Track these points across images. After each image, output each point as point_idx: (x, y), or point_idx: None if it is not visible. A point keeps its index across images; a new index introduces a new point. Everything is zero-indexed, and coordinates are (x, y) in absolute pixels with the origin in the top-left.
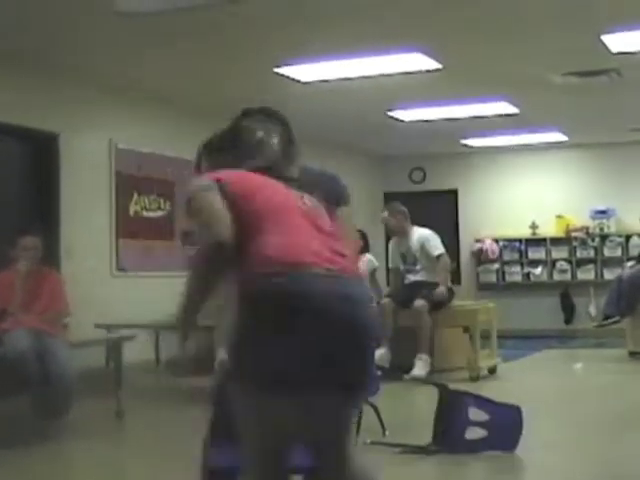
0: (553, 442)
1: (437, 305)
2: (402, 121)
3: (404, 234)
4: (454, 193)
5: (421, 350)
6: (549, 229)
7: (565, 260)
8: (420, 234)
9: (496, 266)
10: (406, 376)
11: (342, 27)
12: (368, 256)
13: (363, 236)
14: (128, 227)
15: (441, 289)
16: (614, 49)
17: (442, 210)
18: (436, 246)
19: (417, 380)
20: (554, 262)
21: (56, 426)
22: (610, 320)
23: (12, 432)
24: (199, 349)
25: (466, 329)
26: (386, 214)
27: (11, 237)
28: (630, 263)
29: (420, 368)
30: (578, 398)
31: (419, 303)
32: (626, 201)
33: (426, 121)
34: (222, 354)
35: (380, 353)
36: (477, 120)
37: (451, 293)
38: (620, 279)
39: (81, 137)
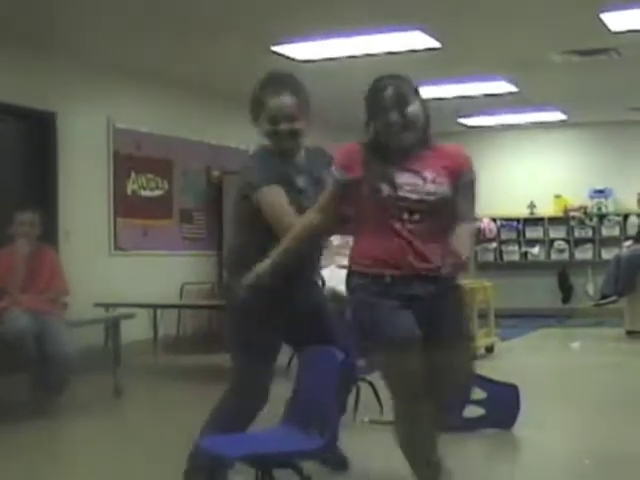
0: (550, 421)
1: None
2: None
3: None
4: None
5: None
6: (547, 209)
7: (563, 240)
8: None
9: (494, 245)
10: None
11: (340, 5)
12: None
13: None
14: (126, 206)
15: None
16: (613, 28)
17: None
18: None
19: None
20: (552, 241)
21: (54, 404)
22: (608, 300)
23: (10, 410)
24: None
25: None
26: None
27: (9, 217)
28: (628, 243)
29: None
30: (575, 377)
31: None
32: (624, 181)
33: (424, 100)
34: None
35: None
36: (476, 99)
37: None
38: (618, 259)
39: (79, 116)
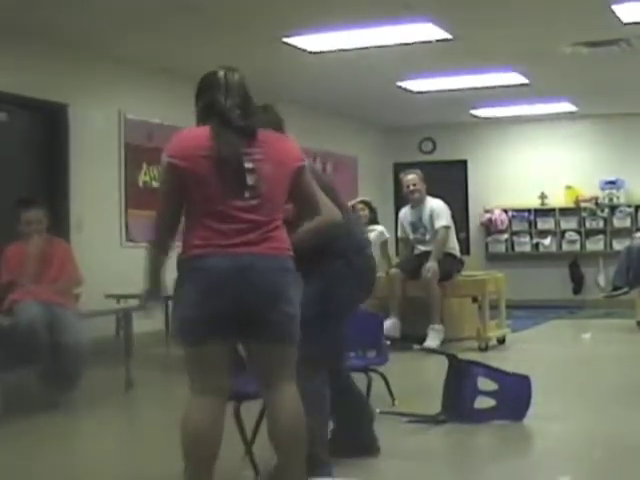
0: (562, 412)
1: (446, 275)
2: (412, 91)
3: (420, 202)
4: (464, 163)
5: (433, 320)
6: (558, 199)
7: (574, 231)
8: (432, 205)
9: (505, 236)
10: (416, 346)
11: None
12: (379, 228)
13: (369, 206)
14: (137, 198)
15: (430, 264)
16: (625, 19)
17: (451, 180)
18: (440, 218)
19: (426, 350)
20: (563, 232)
21: (66, 396)
22: (619, 291)
23: (23, 402)
24: None
25: (475, 299)
26: (416, 177)
27: (14, 214)
28: (639, 234)
29: (433, 338)
30: (587, 368)
31: (428, 269)
32: (636, 172)
33: (436, 91)
34: None
35: (390, 323)
36: (487, 90)
37: (460, 263)
38: (629, 250)
39: (90, 108)
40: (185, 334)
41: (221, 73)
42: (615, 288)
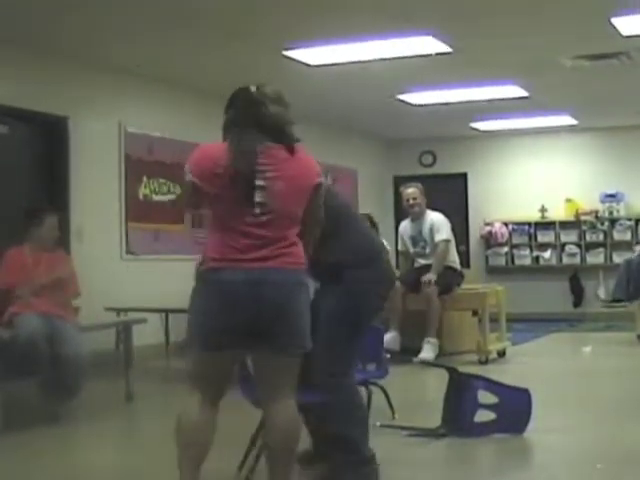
0: (562, 425)
1: (446, 288)
2: (412, 104)
3: (420, 216)
4: (464, 176)
5: (429, 333)
6: (558, 213)
7: (574, 244)
8: (433, 218)
9: (505, 249)
10: (415, 359)
11: (352, 10)
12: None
13: (371, 220)
14: (137, 211)
15: (429, 276)
16: (624, 32)
17: (452, 193)
18: (441, 231)
19: (427, 363)
20: (563, 246)
21: (66, 408)
22: (619, 303)
23: (23, 414)
24: None
25: (475, 312)
26: (417, 191)
27: (30, 219)
28: (639, 247)
29: (428, 351)
30: (588, 381)
31: (425, 279)
32: (636, 185)
33: (436, 104)
34: None
35: (390, 336)
36: (487, 103)
37: (460, 276)
38: (629, 263)
39: (91, 121)
40: (199, 341)
41: (252, 89)
42: (615, 300)
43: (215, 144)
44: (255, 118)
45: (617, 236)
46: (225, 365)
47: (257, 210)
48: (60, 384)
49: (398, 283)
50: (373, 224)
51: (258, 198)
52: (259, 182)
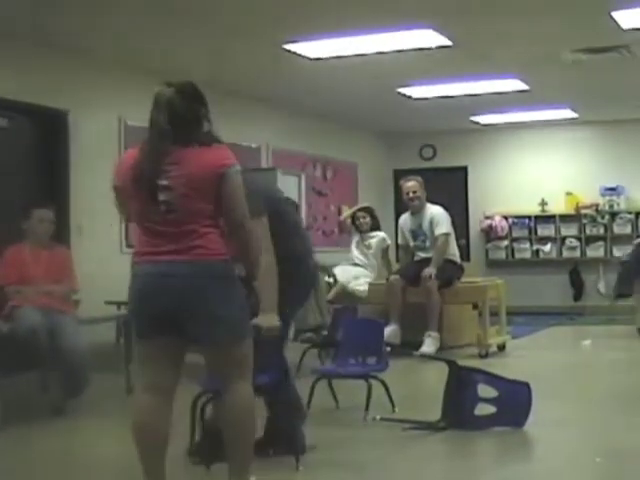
0: (562, 419)
1: (446, 282)
2: (412, 98)
3: (420, 209)
4: (464, 170)
5: (430, 327)
6: (559, 206)
7: (574, 237)
8: (433, 211)
9: (505, 243)
10: (415, 353)
11: (352, 3)
12: (380, 234)
13: (371, 213)
14: None
15: (429, 270)
16: (625, 25)
17: (452, 187)
18: (440, 225)
19: (427, 357)
20: (563, 239)
21: (67, 402)
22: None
23: (23, 408)
24: None
25: (475, 306)
26: (417, 184)
27: (21, 214)
28: (639, 240)
29: (429, 345)
30: (587, 375)
31: (426, 273)
32: (636, 178)
33: (436, 98)
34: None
35: (390, 329)
36: (487, 97)
37: (460, 270)
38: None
39: (90, 114)
40: (133, 329)
41: (156, 90)
42: (620, 295)
43: (133, 149)
44: (164, 118)
45: (617, 229)
46: (159, 352)
47: (162, 208)
48: (67, 380)
49: (397, 276)
50: (373, 216)
51: (162, 197)
52: (163, 182)
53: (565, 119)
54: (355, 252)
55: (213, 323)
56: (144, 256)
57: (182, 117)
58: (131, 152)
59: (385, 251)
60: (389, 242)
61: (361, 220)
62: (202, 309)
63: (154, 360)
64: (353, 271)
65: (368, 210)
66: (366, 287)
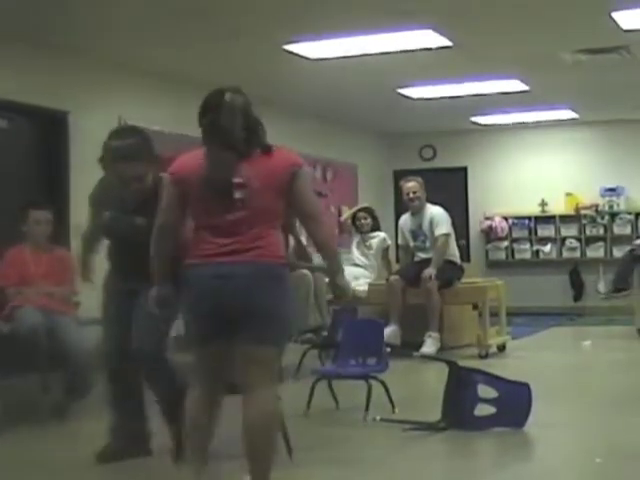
0: (562, 419)
1: (446, 282)
2: (412, 98)
3: (420, 209)
4: (464, 170)
5: (431, 328)
6: (559, 207)
7: (574, 238)
8: (433, 212)
9: (505, 243)
10: (416, 353)
11: (352, 3)
12: (381, 234)
13: (371, 213)
14: None
15: (429, 271)
16: (624, 26)
17: (452, 187)
18: (440, 225)
19: (427, 357)
20: (563, 240)
21: (66, 403)
22: (621, 293)
23: (23, 410)
24: None
25: (475, 306)
26: (417, 185)
27: (22, 214)
28: (639, 241)
29: (430, 345)
30: (587, 375)
31: (426, 274)
32: (636, 179)
33: (436, 98)
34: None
35: (390, 330)
36: (487, 97)
37: (460, 270)
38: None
39: (90, 115)
40: (191, 338)
41: (227, 95)
42: (617, 290)
43: (193, 153)
44: (240, 122)
45: (617, 230)
46: (214, 354)
47: (239, 205)
48: (71, 382)
49: (397, 277)
50: (373, 217)
51: (238, 195)
52: (237, 180)
53: (565, 120)
54: (356, 253)
55: (267, 323)
56: (205, 258)
57: (255, 122)
58: (193, 154)
59: (385, 251)
60: (389, 242)
61: (362, 221)
62: (260, 309)
63: (210, 361)
64: (353, 272)
65: (368, 210)
66: (366, 287)
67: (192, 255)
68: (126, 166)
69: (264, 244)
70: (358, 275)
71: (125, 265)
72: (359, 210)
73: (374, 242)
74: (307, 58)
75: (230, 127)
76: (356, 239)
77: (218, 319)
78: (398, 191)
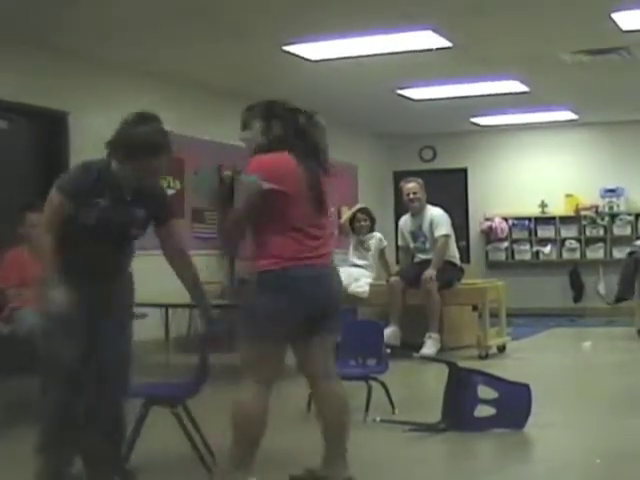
0: (562, 420)
1: (446, 283)
2: (412, 99)
3: (420, 211)
4: (464, 171)
5: (431, 329)
6: (559, 208)
7: (574, 239)
8: (433, 213)
9: (505, 244)
10: (416, 354)
11: (352, 4)
12: (377, 235)
13: (369, 214)
14: None
15: (429, 272)
16: (624, 27)
17: (452, 188)
18: (440, 226)
19: (427, 358)
20: (563, 241)
21: None
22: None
23: (21, 412)
24: None
25: (475, 307)
26: (417, 186)
27: (19, 217)
28: (639, 242)
29: (430, 346)
30: (587, 376)
31: (426, 276)
32: (636, 180)
33: (436, 99)
34: None
35: (390, 331)
36: (487, 98)
37: (460, 271)
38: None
39: (91, 116)
40: (261, 330)
41: (318, 117)
42: (621, 299)
43: (279, 157)
44: (324, 140)
45: (617, 231)
46: (282, 352)
47: (323, 213)
48: None
49: (397, 278)
50: (371, 218)
51: (325, 202)
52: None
53: (565, 121)
54: (354, 254)
55: (338, 317)
56: (302, 260)
57: (326, 146)
58: (280, 158)
59: (382, 252)
60: (386, 243)
61: (362, 223)
62: (335, 305)
63: (275, 358)
64: (353, 272)
65: (366, 212)
66: (367, 288)
67: (282, 257)
68: (155, 157)
69: (331, 248)
70: (358, 276)
71: (100, 264)
72: (358, 211)
73: (372, 243)
74: (307, 59)
75: (325, 148)
76: (353, 240)
77: (306, 317)
78: (398, 192)
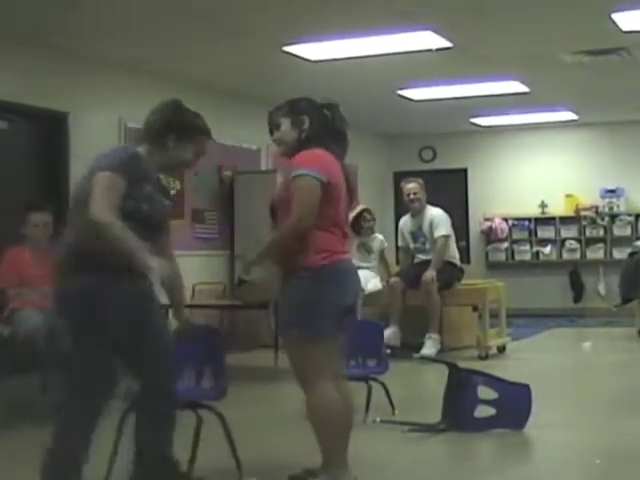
0: (562, 420)
1: (446, 284)
2: (412, 100)
3: (420, 211)
4: (464, 172)
5: (431, 329)
6: (559, 208)
7: (574, 239)
8: (433, 213)
9: (505, 245)
10: (416, 355)
11: (352, 4)
12: (379, 236)
13: (369, 214)
14: None
15: (430, 273)
16: (625, 27)
17: (452, 189)
18: (440, 227)
19: (427, 359)
20: (563, 241)
21: None
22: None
23: (23, 412)
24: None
25: (475, 308)
26: (417, 186)
27: (21, 215)
28: (639, 242)
29: (430, 347)
30: (587, 377)
31: (427, 277)
32: (636, 180)
33: (436, 100)
34: None
35: (390, 332)
36: (487, 99)
37: (460, 272)
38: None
39: (90, 116)
40: (324, 327)
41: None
42: (626, 301)
43: (322, 155)
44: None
45: (617, 231)
46: (335, 345)
47: (350, 208)
48: None
49: (398, 279)
50: (374, 219)
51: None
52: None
53: (565, 121)
54: (357, 255)
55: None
56: (340, 255)
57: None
58: (326, 154)
59: (382, 252)
60: (386, 244)
61: (369, 223)
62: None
63: (333, 353)
64: (363, 275)
65: (370, 213)
66: (380, 287)
67: (331, 251)
68: (208, 139)
69: None
70: (368, 277)
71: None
72: (364, 211)
73: (374, 244)
74: (307, 59)
75: (345, 136)
76: (356, 242)
77: (349, 309)
78: (398, 193)
